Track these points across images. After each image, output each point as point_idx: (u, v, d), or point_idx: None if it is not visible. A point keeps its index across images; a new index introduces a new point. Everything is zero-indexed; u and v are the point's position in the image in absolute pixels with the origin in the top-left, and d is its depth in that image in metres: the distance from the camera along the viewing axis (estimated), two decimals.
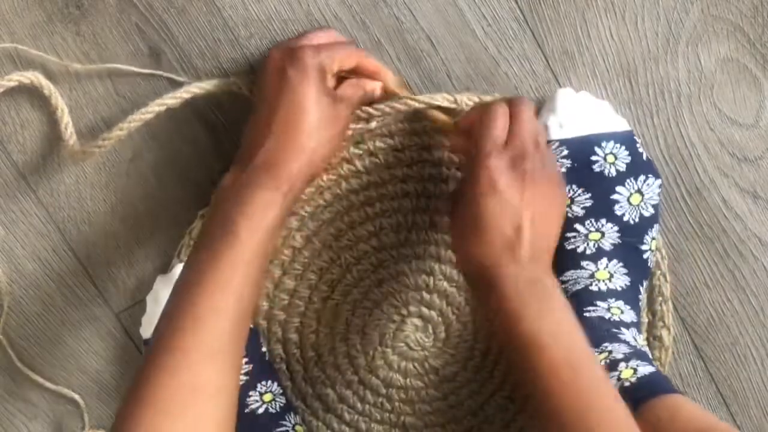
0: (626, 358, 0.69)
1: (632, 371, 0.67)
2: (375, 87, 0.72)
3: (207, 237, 0.65)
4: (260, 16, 0.74)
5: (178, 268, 0.77)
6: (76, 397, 0.81)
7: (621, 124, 0.75)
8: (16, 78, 0.73)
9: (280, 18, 0.75)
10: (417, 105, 0.73)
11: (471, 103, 0.74)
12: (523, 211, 0.65)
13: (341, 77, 0.71)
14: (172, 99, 0.73)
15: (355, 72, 0.71)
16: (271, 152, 0.66)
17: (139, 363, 0.62)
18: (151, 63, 0.75)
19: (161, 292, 0.76)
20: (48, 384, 0.81)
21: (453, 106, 0.74)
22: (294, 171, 0.66)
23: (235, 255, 0.63)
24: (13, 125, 0.76)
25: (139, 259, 0.79)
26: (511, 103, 0.69)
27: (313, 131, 0.67)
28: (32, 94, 0.75)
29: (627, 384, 0.66)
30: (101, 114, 0.76)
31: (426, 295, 0.79)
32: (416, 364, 0.81)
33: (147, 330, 0.77)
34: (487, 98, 0.74)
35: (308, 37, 0.71)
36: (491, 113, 0.68)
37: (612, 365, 0.68)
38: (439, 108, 0.74)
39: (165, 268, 0.79)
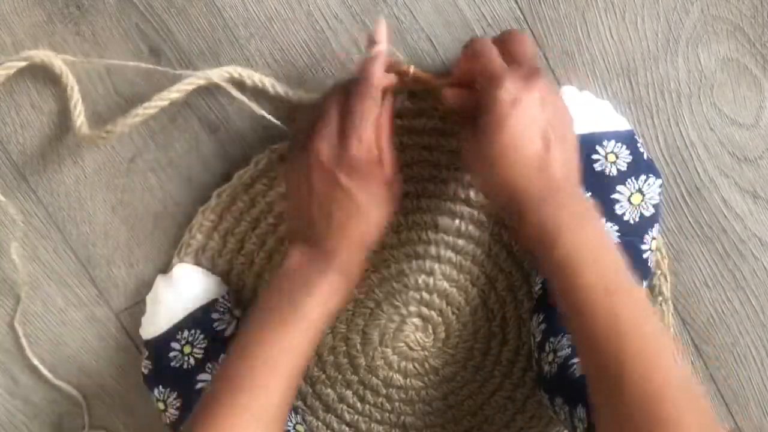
0: None
1: None
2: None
3: (274, 313, 0.66)
4: (260, 16, 0.74)
5: (178, 268, 0.77)
6: (78, 395, 0.81)
7: (622, 124, 0.75)
8: (26, 55, 0.73)
9: (280, 18, 0.75)
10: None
11: None
12: (548, 125, 0.63)
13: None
14: (189, 85, 0.73)
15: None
16: (336, 248, 0.67)
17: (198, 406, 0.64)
18: (151, 63, 0.75)
19: (161, 292, 0.76)
20: (53, 378, 0.81)
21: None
22: (358, 262, 0.68)
23: (300, 333, 0.65)
24: (13, 125, 0.76)
25: (139, 259, 0.79)
26: (501, 37, 0.68)
27: (374, 226, 0.68)
28: (32, 94, 0.75)
29: None
30: (101, 114, 0.75)
31: (426, 295, 0.79)
32: (416, 364, 0.81)
33: (147, 330, 0.77)
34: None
35: (328, 120, 0.67)
36: (483, 47, 0.66)
37: None
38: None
39: (165, 268, 0.79)
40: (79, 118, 0.74)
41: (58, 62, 0.73)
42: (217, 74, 0.73)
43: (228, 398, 0.62)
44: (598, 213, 0.63)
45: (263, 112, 0.73)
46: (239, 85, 0.74)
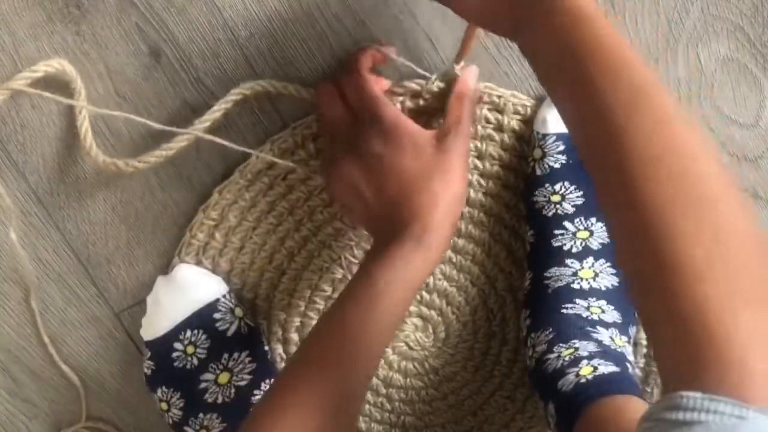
0: (590, 356, 0.69)
1: (592, 369, 0.67)
2: (468, 84, 0.70)
3: (348, 291, 0.65)
4: (260, 16, 0.74)
5: (178, 268, 0.77)
6: (78, 384, 0.81)
7: None
8: (42, 68, 0.73)
9: (280, 18, 0.74)
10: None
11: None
12: None
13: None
14: (199, 132, 0.74)
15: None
16: (404, 217, 0.65)
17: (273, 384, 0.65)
18: (151, 63, 0.75)
19: (162, 293, 0.76)
20: (61, 363, 0.81)
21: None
22: (431, 226, 0.65)
23: (373, 301, 0.63)
24: (13, 125, 0.76)
25: (139, 259, 0.79)
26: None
27: (428, 183, 0.66)
28: (33, 96, 0.75)
29: (582, 381, 0.66)
30: (101, 114, 0.75)
31: (426, 295, 0.79)
32: (416, 364, 0.81)
33: (148, 331, 0.77)
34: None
35: (331, 115, 0.70)
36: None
37: (574, 362, 0.68)
38: None
39: (165, 268, 0.79)
40: (87, 133, 0.74)
41: (70, 68, 0.73)
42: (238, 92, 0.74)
43: (298, 382, 0.61)
44: (600, 11, 0.56)
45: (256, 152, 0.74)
46: (267, 94, 0.74)
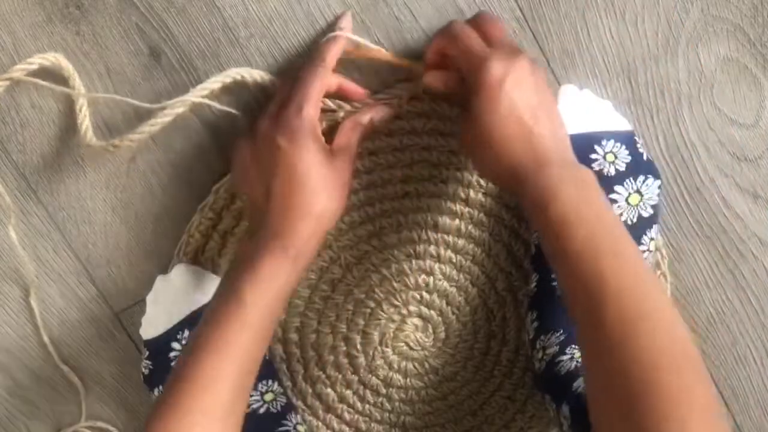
0: None
1: None
2: (369, 116, 0.72)
3: (216, 303, 0.66)
4: (260, 16, 0.74)
5: (178, 268, 0.77)
6: (78, 383, 0.81)
7: (622, 124, 0.75)
8: (37, 61, 0.73)
9: (280, 18, 0.75)
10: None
11: None
12: (534, 101, 0.65)
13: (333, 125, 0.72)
14: (194, 97, 0.73)
15: (342, 90, 0.73)
16: (277, 220, 0.66)
17: (147, 412, 0.64)
18: (151, 63, 0.75)
19: (161, 293, 0.76)
20: (61, 363, 0.81)
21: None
22: (302, 236, 0.66)
23: (241, 321, 0.64)
24: (13, 125, 0.76)
25: (139, 259, 0.79)
26: (474, 20, 0.70)
27: (315, 194, 0.67)
28: (32, 93, 0.75)
29: None
30: (101, 114, 0.75)
31: (426, 295, 0.79)
32: (416, 364, 0.81)
33: (147, 330, 0.77)
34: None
35: (282, 93, 0.70)
36: (462, 30, 0.68)
37: None
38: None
39: (165, 268, 0.79)
40: (84, 122, 0.74)
41: (66, 63, 0.73)
42: (219, 80, 0.73)
43: (177, 398, 0.62)
44: (594, 179, 0.63)
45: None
46: (242, 84, 0.74)
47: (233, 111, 0.74)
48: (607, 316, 0.56)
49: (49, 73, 0.74)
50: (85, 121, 0.74)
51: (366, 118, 0.72)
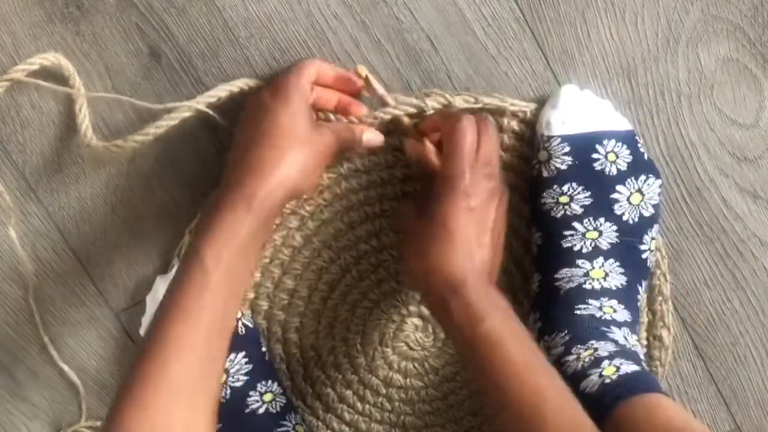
0: (611, 356, 0.69)
1: (615, 369, 0.67)
2: (362, 133, 0.72)
3: (180, 265, 0.64)
4: (260, 16, 0.74)
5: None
6: (78, 383, 0.81)
7: (623, 124, 0.75)
8: (38, 61, 0.73)
9: (280, 18, 0.75)
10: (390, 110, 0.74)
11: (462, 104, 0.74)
12: (489, 228, 0.69)
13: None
14: (198, 103, 0.73)
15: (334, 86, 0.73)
16: (243, 168, 0.65)
17: (116, 390, 0.63)
18: (151, 63, 0.75)
19: (161, 292, 0.76)
20: (61, 363, 0.81)
21: (418, 109, 0.74)
22: (265, 188, 0.64)
23: (203, 283, 0.61)
24: (13, 125, 0.76)
25: (139, 259, 0.79)
26: (477, 119, 0.70)
27: (287, 146, 0.66)
28: (32, 93, 0.75)
29: (608, 381, 0.66)
30: (101, 114, 0.76)
31: None
32: (416, 364, 0.81)
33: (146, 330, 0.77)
34: (455, 100, 0.74)
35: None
36: (462, 129, 0.69)
37: (596, 362, 0.68)
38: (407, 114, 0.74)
39: (165, 268, 0.79)
40: (84, 122, 0.74)
41: (66, 63, 0.73)
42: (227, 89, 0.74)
43: (144, 371, 0.59)
44: (504, 300, 0.67)
45: None
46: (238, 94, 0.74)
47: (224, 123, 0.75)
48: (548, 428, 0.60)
49: (49, 74, 0.74)
50: (84, 121, 0.74)
51: (359, 135, 0.72)
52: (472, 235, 0.67)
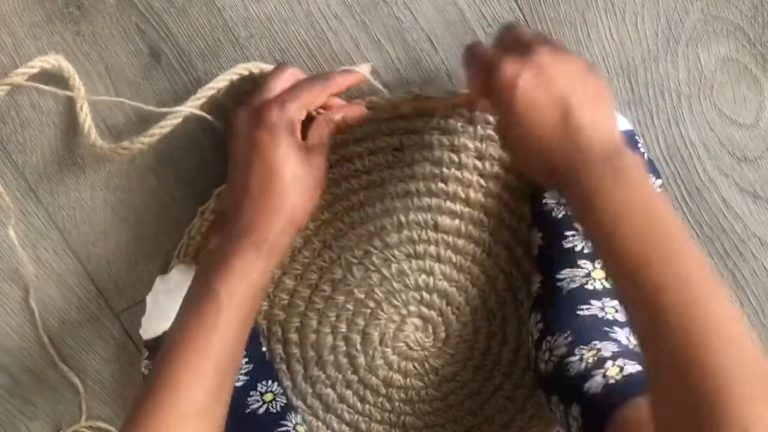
0: (614, 357, 0.69)
1: (618, 369, 0.67)
2: (341, 116, 0.71)
3: (189, 301, 0.65)
4: (260, 16, 0.74)
5: (178, 268, 0.77)
6: (78, 383, 0.81)
7: (623, 124, 0.75)
8: (38, 64, 0.73)
9: (280, 18, 0.75)
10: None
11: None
12: (562, 90, 0.60)
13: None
14: (199, 100, 0.73)
15: (326, 106, 0.71)
16: (250, 215, 0.66)
17: (125, 415, 0.63)
18: (151, 63, 0.75)
19: (161, 293, 0.76)
20: (61, 363, 0.81)
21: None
22: (274, 231, 0.66)
23: (215, 317, 0.63)
24: (13, 125, 0.76)
25: (139, 259, 0.79)
26: (497, 35, 0.68)
27: (288, 189, 0.66)
28: (32, 93, 0.75)
29: (612, 381, 0.66)
30: (101, 114, 0.75)
31: (426, 295, 0.79)
32: (416, 364, 0.81)
33: (147, 330, 0.77)
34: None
35: (271, 87, 0.69)
36: (472, 48, 0.66)
37: (599, 363, 0.68)
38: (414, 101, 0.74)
39: (165, 268, 0.79)
40: (87, 122, 0.74)
41: (66, 64, 0.73)
42: (234, 72, 0.74)
43: (153, 397, 0.61)
44: (639, 167, 0.59)
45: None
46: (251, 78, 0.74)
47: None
48: (668, 332, 0.53)
49: (50, 75, 0.74)
50: (87, 120, 0.74)
51: (338, 116, 0.71)
52: (552, 113, 0.60)
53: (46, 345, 0.80)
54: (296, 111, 0.67)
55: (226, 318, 0.63)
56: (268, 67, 0.74)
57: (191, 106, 0.73)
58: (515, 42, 0.64)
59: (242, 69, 0.74)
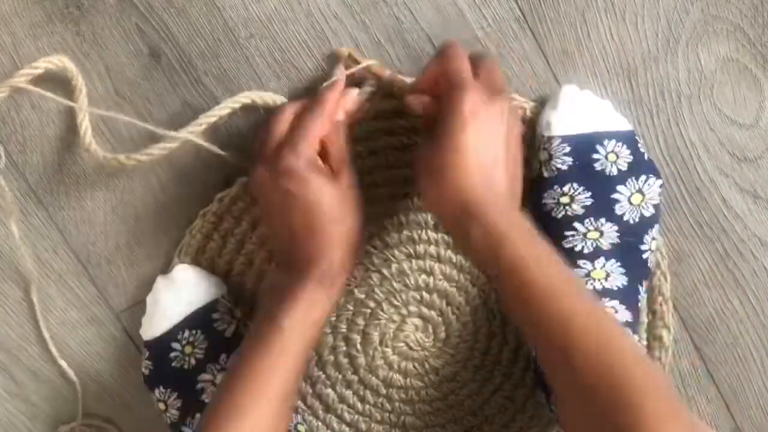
0: None
1: None
2: (341, 110, 0.71)
3: (255, 333, 0.68)
4: (260, 16, 0.74)
5: (178, 268, 0.77)
6: (75, 380, 0.81)
7: (623, 124, 0.75)
8: (42, 65, 0.73)
9: (280, 18, 0.75)
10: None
11: None
12: (502, 143, 0.65)
13: None
14: (201, 125, 0.74)
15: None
16: (308, 252, 0.67)
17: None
18: (151, 63, 0.75)
19: (161, 293, 0.76)
20: (61, 362, 0.80)
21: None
22: (335, 264, 0.68)
23: (279, 348, 0.66)
24: (13, 125, 0.76)
25: (139, 259, 0.79)
26: (474, 57, 0.69)
27: (334, 221, 0.68)
28: (32, 93, 0.75)
29: None
30: (102, 115, 0.75)
31: (426, 295, 0.79)
32: (416, 364, 0.81)
33: (147, 331, 0.77)
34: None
35: (274, 133, 0.69)
36: (455, 55, 0.68)
37: None
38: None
39: (165, 268, 0.79)
40: (86, 131, 0.74)
41: (70, 65, 0.73)
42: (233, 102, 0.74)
43: (218, 424, 0.64)
44: (537, 232, 0.65)
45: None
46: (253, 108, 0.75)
47: (221, 152, 0.75)
48: (577, 355, 0.58)
49: (51, 76, 0.74)
50: (87, 132, 0.74)
51: (340, 114, 0.71)
52: (487, 158, 0.64)
53: (46, 344, 0.80)
54: (310, 148, 0.68)
55: (289, 348, 0.66)
56: (269, 96, 0.74)
57: (191, 132, 0.73)
58: (489, 80, 0.67)
59: (245, 98, 0.74)
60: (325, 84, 0.72)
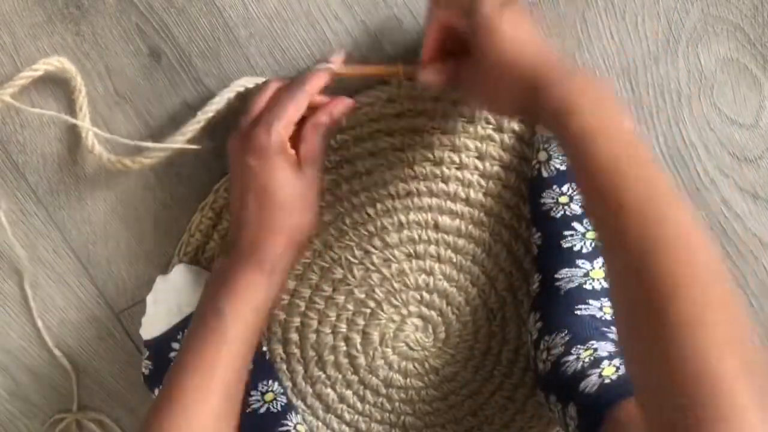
0: (610, 356, 0.69)
1: (614, 369, 0.67)
2: (327, 115, 0.70)
3: (196, 320, 0.67)
4: (260, 16, 0.74)
5: (178, 268, 0.77)
6: (69, 368, 0.81)
7: None
8: (42, 67, 0.73)
9: (280, 18, 0.75)
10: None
11: None
12: (533, 26, 0.64)
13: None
14: (200, 123, 0.74)
15: (310, 105, 0.70)
16: (251, 237, 0.68)
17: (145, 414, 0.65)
18: (151, 63, 0.75)
19: (161, 293, 0.76)
20: (62, 361, 0.81)
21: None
22: (276, 251, 0.68)
23: (221, 336, 0.65)
24: (13, 125, 0.76)
25: (139, 259, 0.79)
26: None
27: (286, 209, 0.68)
28: (32, 94, 0.75)
29: (607, 381, 0.66)
30: (101, 114, 0.75)
31: (426, 295, 0.79)
32: (416, 364, 0.81)
33: (147, 331, 0.77)
34: None
35: (256, 105, 0.69)
36: None
37: (595, 362, 0.68)
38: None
39: (165, 268, 0.79)
40: (88, 135, 0.74)
41: (69, 66, 0.73)
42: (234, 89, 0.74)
43: (162, 415, 0.63)
44: (611, 90, 0.62)
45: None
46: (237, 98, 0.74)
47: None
48: (629, 234, 0.54)
49: (51, 77, 0.74)
50: (85, 118, 0.74)
51: (324, 117, 0.70)
52: (530, 36, 0.63)
53: (46, 344, 0.80)
54: (283, 129, 0.68)
55: (231, 336, 0.65)
56: (262, 81, 0.74)
57: (189, 130, 0.73)
58: None
59: (239, 86, 0.74)
60: (316, 67, 0.71)
